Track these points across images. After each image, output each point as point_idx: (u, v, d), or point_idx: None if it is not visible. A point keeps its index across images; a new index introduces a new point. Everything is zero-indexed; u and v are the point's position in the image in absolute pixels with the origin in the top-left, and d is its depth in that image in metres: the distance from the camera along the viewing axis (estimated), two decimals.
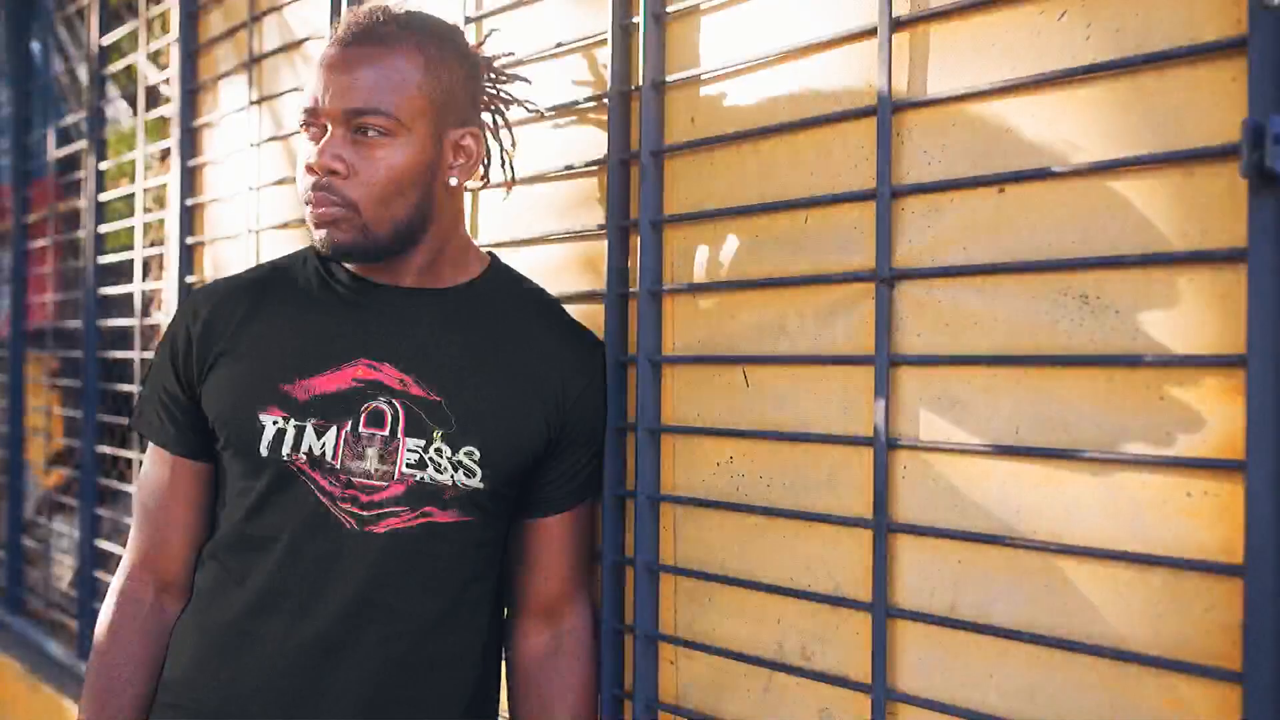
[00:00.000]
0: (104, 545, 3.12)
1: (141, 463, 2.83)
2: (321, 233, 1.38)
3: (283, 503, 1.42)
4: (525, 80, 1.62)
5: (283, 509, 1.42)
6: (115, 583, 1.53)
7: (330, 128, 1.37)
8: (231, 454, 1.44)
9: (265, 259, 2.27)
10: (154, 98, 3.03)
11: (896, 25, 1.23)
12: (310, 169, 1.37)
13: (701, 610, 1.46)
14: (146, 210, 3.01)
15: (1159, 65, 1.03)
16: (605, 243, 1.54)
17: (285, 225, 2.22)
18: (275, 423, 1.41)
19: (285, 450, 1.40)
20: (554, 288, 1.61)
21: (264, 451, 1.41)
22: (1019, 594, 1.13)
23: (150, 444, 1.53)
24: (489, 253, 1.58)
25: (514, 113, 1.71)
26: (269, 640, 1.41)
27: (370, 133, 1.36)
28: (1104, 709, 1.06)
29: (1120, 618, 1.05)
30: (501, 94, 1.59)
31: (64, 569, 3.59)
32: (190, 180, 2.66)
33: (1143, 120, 1.04)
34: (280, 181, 2.23)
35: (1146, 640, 1.03)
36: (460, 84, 1.44)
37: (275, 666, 1.40)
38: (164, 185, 2.88)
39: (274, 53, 2.32)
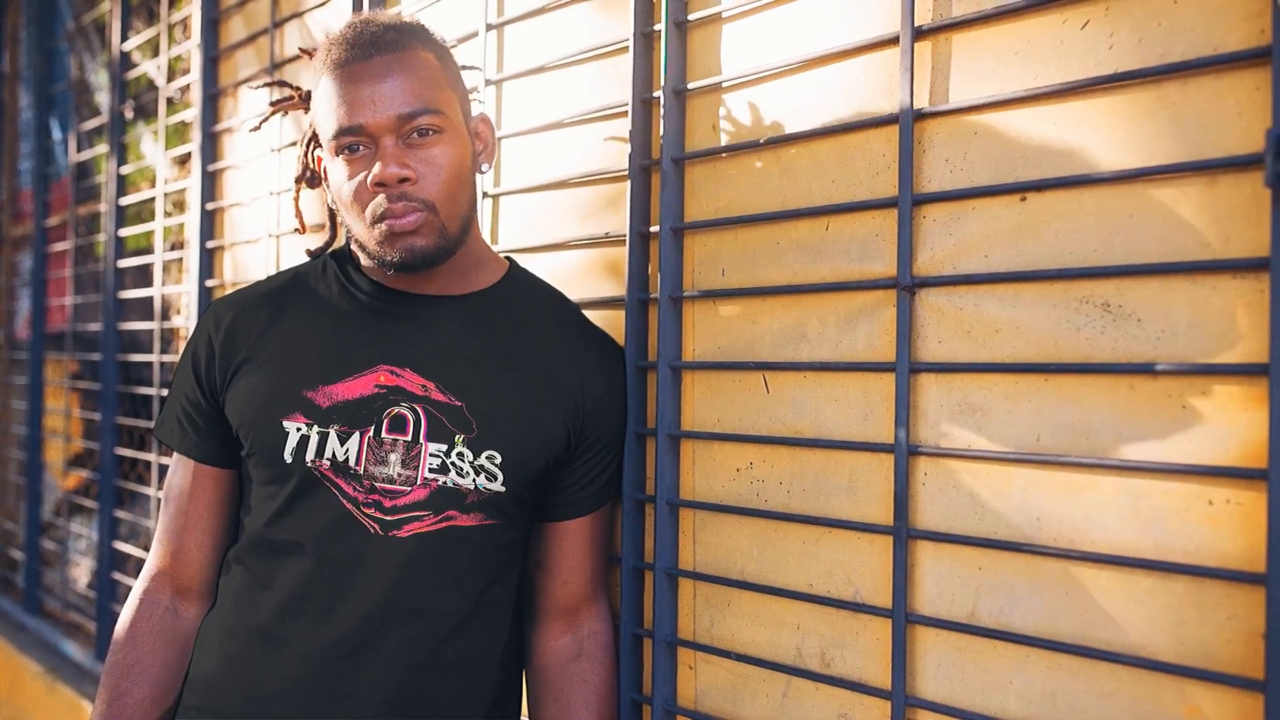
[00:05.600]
0: (122, 547, 3.13)
1: (161, 465, 2.87)
2: (402, 244, 1.37)
3: (307, 508, 1.43)
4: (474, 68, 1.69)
5: (307, 514, 1.43)
6: (136, 586, 1.55)
7: (379, 140, 1.37)
8: (256, 461, 1.45)
9: (285, 263, 2.29)
10: (174, 102, 3.05)
11: (918, 34, 1.23)
12: (380, 184, 1.35)
13: (720, 615, 1.46)
14: (166, 214, 3.02)
15: (1182, 74, 1.03)
16: (626, 248, 1.55)
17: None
18: (299, 429, 1.42)
19: (309, 457, 1.41)
20: (575, 293, 1.62)
21: (288, 458, 1.42)
22: (1039, 601, 1.13)
23: (174, 451, 1.54)
24: (507, 257, 1.58)
25: (535, 119, 1.72)
26: (293, 643, 1.42)
27: (423, 134, 1.37)
28: (1124, 717, 1.06)
29: (1141, 625, 1.05)
30: None
31: (82, 571, 3.61)
32: (211, 185, 2.68)
33: (1166, 129, 1.04)
34: None
35: (1167, 648, 1.04)
36: (459, 74, 1.47)
37: (299, 669, 1.41)
38: (184, 189, 2.90)
39: (295, 58, 2.33)
